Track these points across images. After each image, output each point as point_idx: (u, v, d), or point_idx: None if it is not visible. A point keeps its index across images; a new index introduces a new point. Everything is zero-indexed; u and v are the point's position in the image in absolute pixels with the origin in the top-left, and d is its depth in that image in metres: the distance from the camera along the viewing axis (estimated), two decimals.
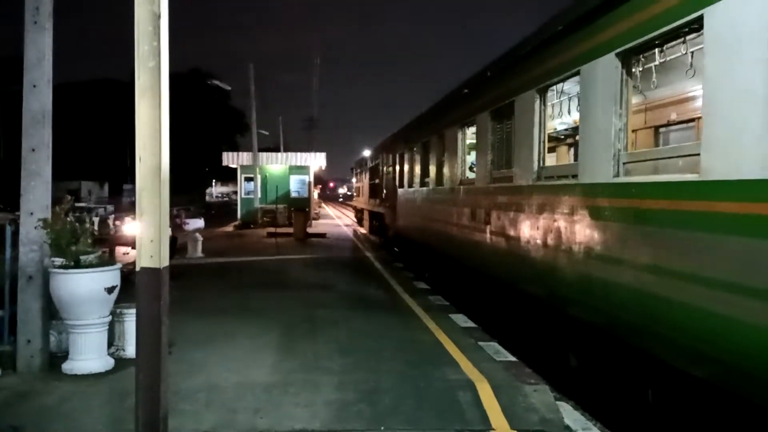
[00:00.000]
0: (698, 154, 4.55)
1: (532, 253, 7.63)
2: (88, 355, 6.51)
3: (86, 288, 6.41)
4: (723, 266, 4.23)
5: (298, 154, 35.91)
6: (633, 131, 7.99)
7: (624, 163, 5.69)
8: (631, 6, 5.42)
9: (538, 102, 7.59)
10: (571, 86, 7.28)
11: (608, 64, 5.80)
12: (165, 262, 4.01)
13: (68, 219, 6.78)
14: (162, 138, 3.97)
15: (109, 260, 7.04)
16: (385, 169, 22.64)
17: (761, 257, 3.84)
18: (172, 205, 4.76)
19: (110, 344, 6.94)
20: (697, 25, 4.58)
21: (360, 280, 13.27)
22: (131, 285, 4.37)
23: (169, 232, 4.22)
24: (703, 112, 4.62)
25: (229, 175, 62.65)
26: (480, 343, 7.76)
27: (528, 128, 7.77)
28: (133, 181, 4.06)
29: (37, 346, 6.53)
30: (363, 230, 31.60)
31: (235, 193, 36.44)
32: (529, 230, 7.77)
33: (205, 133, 75.54)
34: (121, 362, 6.71)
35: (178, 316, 7.80)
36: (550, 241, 7.09)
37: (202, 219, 19.51)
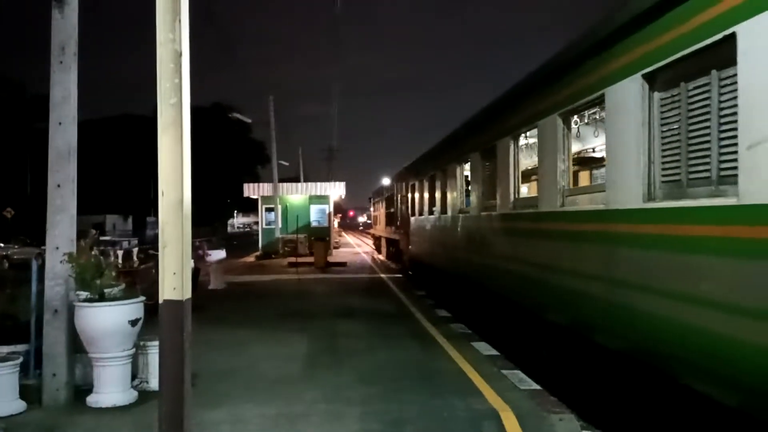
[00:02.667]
0: (604, 191, 6.32)
1: (507, 265, 9.61)
2: (113, 388, 6.55)
3: (110, 321, 6.48)
4: (624, 270, 5.82)
5: (318, 183, 36.18)
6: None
7: (566, 196, 7.38)
8: (563, 82, 7.35)
9: (512, 146, 9.41)
10: (533, 135, 8.92)
11: (553, 122, 7.55)
12: (188, 294, 4.06)
13: (93, 253, 6.89)
14: (184, 172, 4.05)
15: (132, 293, 7.10)
16: (399, 198, 24.71)
17: (644, 263, 5.44)
18: (194, 236, 4.82)
19: (134, 377, 6.98)
20: (602, 100, 6.35)
21: (381, 309, 13.24)
22: (154, 317, 4.41)
23: (191, 263, 4.27)
24: (606, 160, 6.39)
25: (250, 206, 63.16)
26: (503, 372, 7.68)
27: (505, 167, 9.57)
28: (156, 214, 4.11)
29: (62, 380, 6.59)
30: (381, 257, 32.10)
31: (257, 223, 36.69)
32: (506, 247, 9.75)
33: (227, 164, 76.46)
34: (144, 395, 6.74)
35: (201, 347, 7.84)
36: (519, 255, 8.98)
37: (224, 250, 19.57)
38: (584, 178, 9.72)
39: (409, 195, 21.23)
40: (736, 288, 4.26)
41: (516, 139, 9.31)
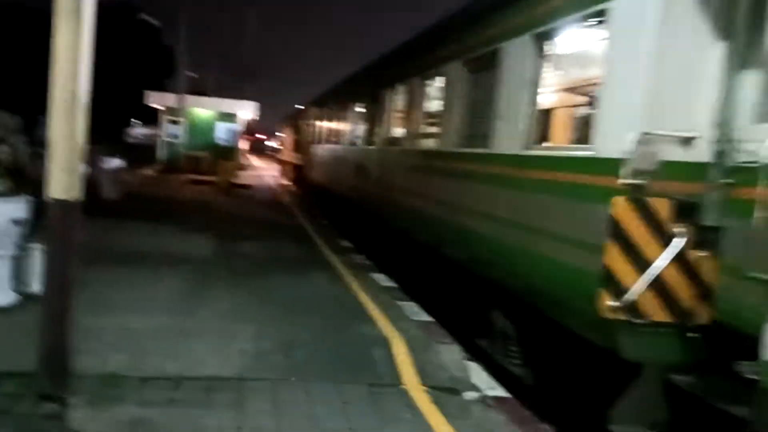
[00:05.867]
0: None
1: (377, 188, 11.71)
2: None
3: None
4: (500, 202, 6.67)
5: (228, 100, 34.65)
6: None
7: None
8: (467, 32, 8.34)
9: (388, 94, 11.44)
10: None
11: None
12: (78, 194, 3.83)
13: None
14: (80, 62, 3.74)
15: (17, 190, 6.66)
16: (304, 127, 26.29)
17: (512, 197, 6.40)
18: (91, 144, 4.53)
19: (17, 279, 6.62)
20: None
21: (282, 233, 13.18)
22: (43, 221, 4.14)
23: (85, 168, 4.01)
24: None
25: (154, 117, 60.19)
26: (398, 302, 7.88)
27: (384, 110, 11.70)
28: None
29: None
30: (286, 181, 32.17)
31: (158, 135, 34.88)
32: (379, 175, 11.70)
33: (131, 71, 72.22)
34: (27, 298, 6.41)
35: (92, 255, 7.52)
36: (393, 182, 10.65)
37: (123, 159, 18.67)
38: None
39: (313, 125, 23.06)
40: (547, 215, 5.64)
41: (392, 90, 11.41)
